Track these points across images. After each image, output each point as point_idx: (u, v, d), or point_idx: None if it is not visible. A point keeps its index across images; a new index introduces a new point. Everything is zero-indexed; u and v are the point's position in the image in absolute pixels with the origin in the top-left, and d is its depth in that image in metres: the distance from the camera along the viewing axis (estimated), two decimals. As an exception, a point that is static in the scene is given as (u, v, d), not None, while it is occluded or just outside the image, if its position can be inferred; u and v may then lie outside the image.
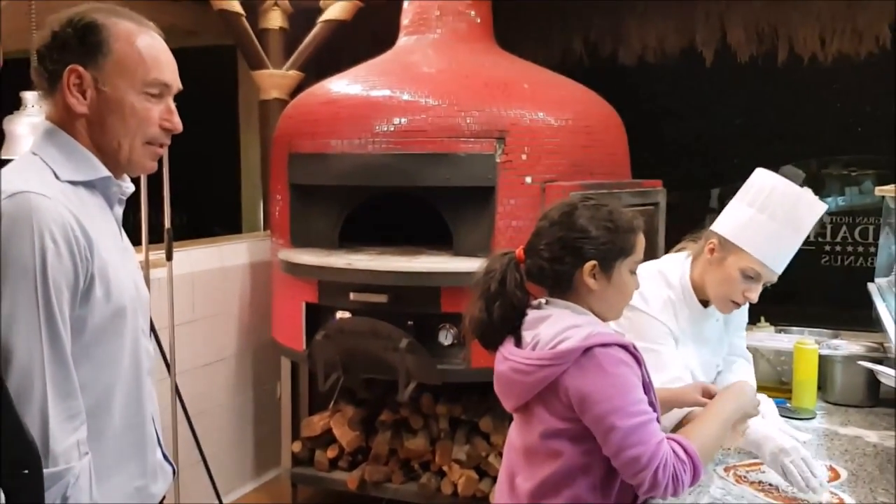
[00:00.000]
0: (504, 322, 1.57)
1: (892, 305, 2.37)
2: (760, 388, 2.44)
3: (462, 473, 3.36)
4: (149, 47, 1.38)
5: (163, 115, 1.40)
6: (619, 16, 4.61)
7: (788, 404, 2.30)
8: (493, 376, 1.61)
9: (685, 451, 1.46)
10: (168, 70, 1.41)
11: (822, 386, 2.37)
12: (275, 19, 4.43)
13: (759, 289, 1.95)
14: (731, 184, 4.57)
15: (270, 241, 3.85)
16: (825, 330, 2.78)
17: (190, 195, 4.85)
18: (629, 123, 3.72)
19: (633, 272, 1.58)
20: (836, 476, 1.77)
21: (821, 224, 4.34)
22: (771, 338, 2.67)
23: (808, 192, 1.96)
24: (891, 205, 2.75)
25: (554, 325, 1.51)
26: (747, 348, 2.27)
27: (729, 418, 1.62)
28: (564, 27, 4.73)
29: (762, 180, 2.00)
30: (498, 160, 3.20)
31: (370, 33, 4.44)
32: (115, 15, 1.38)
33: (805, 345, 2.33)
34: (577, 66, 4.57)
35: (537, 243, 1.59)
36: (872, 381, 2.27)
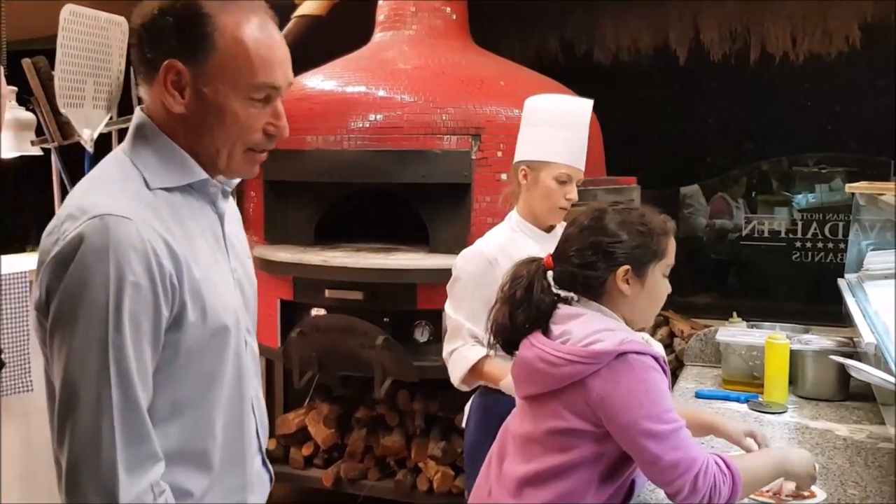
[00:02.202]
0: (528, 328, 1.55)
1: (861, 301, 2.41)
2: (733, 384, 2.48)
3: (438, 470, 3.36)
4: (258, 44, 1.20)
5: (268, 120, 1.25)
6: (593, 15, 4.63)
7: (760, 398, 2.33)
8: (515, 361, 1.57)
9: (727, 465, 1.43)
10: (279, 70, 1.23)
11: (794, 380, 2.40)
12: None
13: (574, 188, 2.25)
14: (704, 180, 4.63)
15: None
16: (796, 325, 2.82)
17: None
18: (604, 121, 3.74)
19: (665, 276, 1.57)
20: (807, 469, 1.79)
21: (791, 221, 4.40)
22: (743, 333, 2.69)
23: (573, 97, 2.36)
24: (860, 202, 2.79)
25: (587, 325, 1.48)
26: (718, 344, 2.34)
27: (781, 469, 1.57)
28: (540, 25, 4.74)
29: (533, 103, 2.34)
30: (474, 157, 3.21)
31: (345, 29, 4.42)
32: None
33: (776, 340, 2.36)
34: (553, 65, 4.58)
35: (567, 249, 1.56)
36: (843, 375, 2.31)
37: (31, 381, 2.75)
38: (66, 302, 1.11)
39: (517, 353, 1.58)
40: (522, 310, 1.55)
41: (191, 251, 1.20)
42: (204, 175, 1.26)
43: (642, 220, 1.55)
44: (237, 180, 1.37)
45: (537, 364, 1.49)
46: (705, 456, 1.42)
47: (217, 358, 1.24)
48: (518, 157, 2.30)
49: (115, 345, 1.10)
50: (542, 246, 2.12)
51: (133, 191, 1.18)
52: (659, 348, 2.06)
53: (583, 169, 2.28)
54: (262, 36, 1.21)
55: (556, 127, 2.24)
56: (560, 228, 2.12)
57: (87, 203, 1.14)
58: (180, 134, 1.24)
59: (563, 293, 1.57)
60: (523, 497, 1.50)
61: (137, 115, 1.27)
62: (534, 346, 1.52)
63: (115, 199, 1.14)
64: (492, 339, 1.62)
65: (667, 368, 1.48)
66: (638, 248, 1.52)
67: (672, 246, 1.58)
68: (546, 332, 1.54)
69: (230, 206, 1.38)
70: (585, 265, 1.53)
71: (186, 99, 1.20)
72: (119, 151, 1.25)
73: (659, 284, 1.56)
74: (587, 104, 2.33)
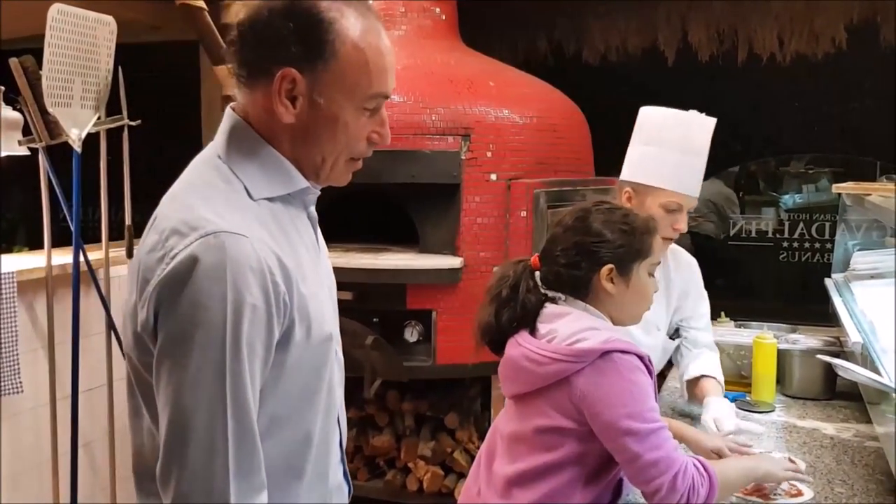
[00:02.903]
0: (514, 327, 1.57)
1: (848, 300, 2.43)
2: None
3: (427, 470, 3.36)
4: (376, 52, 1.14)
5: (374, 128, 1.19)
6: (582, 16, 4.65)
7: (748, 398, 2.35)
8: (501, 360, 1.58)
9: (705, 468, 1.44)
10: (391, 77, 1.17)
11: (781, 379, 2.42)
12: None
13: (685, 218, 2.02)
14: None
15: (234, 239, 3.80)
16: (783, 325, 2.84)
17: (152, 192, 4.77)
18: (592, 121, 3.76)
19: (651, 274, 1.58)
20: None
21: (779, 221, 4.43)
22: (731, 332, 2.71)
23: (694, 114, 2.06)
24: (847, 202, 2.81)
25: (573, 324, 1.49)
26: None
27: (753, 474, 1.60)
28: (529, 26, 4.76)
29: (650, 117, 2.09)
30: (463, 157, 3.21)
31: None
32: (342, 1, 1.13)
33: (764, 339, 2.37)
34: (542, 65, 4.60)
35: (552, 249, 1.58)
36: (829, 374, 2.32)
37: (20, 382, 2.73)
38: (180, 325, 1.03)
39: (504, 352, 1.59)
40: (508, 309, 1.57)
41: (297, 265, 1.14)
42: (306, 184, 1.21)
43: (626, 220, 1.56)
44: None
45: (523, 363, 1.51)
46: (685, 458, 1.43)
47: (317, 371, 1.19)
48: (623, 177, 2.09)
49: (233, 371, 1.03)
50: None
51: (239, 203, 1.12)
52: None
53: (696, 196, 2.04)
54: (379, 43, 1.15)
55: (670, 148, 2.01)
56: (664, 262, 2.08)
57: (193, 218, 1.06)
58: (284, 142, 1.17)
59: (550, 293, 1.58)
60: (511, 497, 1.51)
61: (231, 117, 1.19)
62: (520, 345, 1.53)
63: (224, 213, 1.07)
64: (478, 338, 1.63)
65: (652, 369, 1.49)
66: (621, 247, 1.54)
67: (657, 244, 1.59)
68: (533, 332, 1.56)
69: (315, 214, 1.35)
70: (570, 265, 1.55)
71: (298, 108, 1.13)
72: (214, 156, 1.17)
73: (644, 283, 1.57)
74: (709, 124, 2.08)
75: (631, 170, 2.08)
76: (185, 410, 1.03)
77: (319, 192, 1.29)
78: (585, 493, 1.49)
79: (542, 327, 1.53)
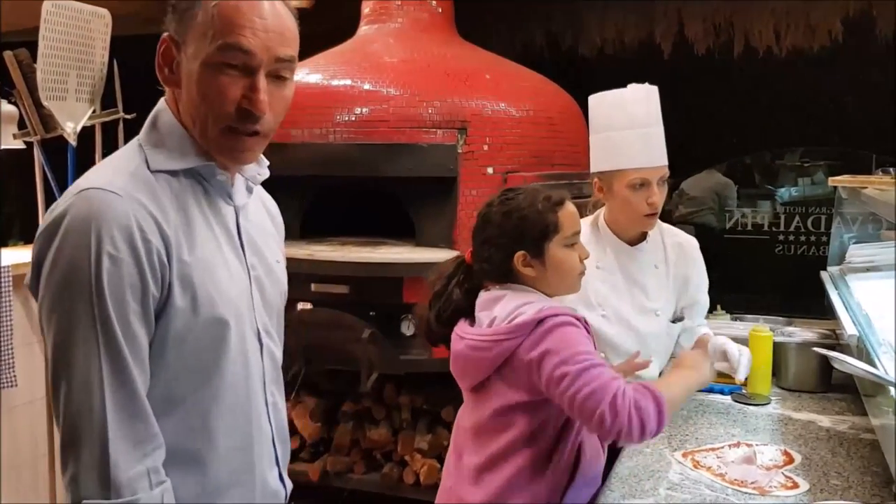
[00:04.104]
0: (445, 319, 1.66)
1: (843, 293, 2.43)
2: (717, 376, 2.50)
3: (424, 463, 3.37)
4: (230, 6, 1.15)
5: (244, 93, 1.17)
6: (578, 9, 4.64)
7: (744, 390, 2.35)
8: (451, 357, 1.65)
9: (645, 387, 1.49)
10: (252, 35, 1.15)
11: (777, 372, 2.42)
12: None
13: (657, 189, 2.03)
14: (687, 175, 4.64)
15: (230, 232, 3.80)
16: (779, 317, 2.84)
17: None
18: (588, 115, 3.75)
19: (569, 246, 1.62)
20: (791, 460, 1.81)
21: (774, 214, 4.43)
22: (727, 325, 2.72)
23: (633, 87, 2.07)
24: (843, 195, 2.82)
25: (508, 304, 1.56)
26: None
27: (696, 381, 1.69)
28: (525, 19, 4.75)
29: (596, 105, 2.13)
30: (460, 150, 3.21)
31: (330, 22, 4.40)
32: None
33: (760, 332, 2.37)
34: (538, 58, 4.59)
35: (475, 247, 1.66)
36: (825, 367, 2.33)
37: (14, 376, 2.73)
38: (51, 276, 1.10)
39: (451, 349, 1.66)
40: (441, 303, 1.65)
41: (186, 235, 1.17)
42: (206, 160, 1.22)
43: (521, 205, 1.60)
44: (264, 175, 1.34)
45: (470, 353, 1.57)
46: (621, 383, 1.46)
47: (213, 354, 1.19)
48: (591, 170, 2.12)
49: (101, 317, 1.08)
50: (619, 259, 2.10)
51: (130, 170, 1.16)
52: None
53: (662, 164, 2.05)
54: (239, 3, 1.16)
55: (620, 128, 2.03)
56: (650, 240, 2.13)
57: (82, 181, 1.14)
58: (180, 115, 1.22)
59: (487, 283, 1.65)
60: (483, 483, 1.56)
61: (161, 101, 1.26)
62: (462, 337, 1.60)
63: (110, 177, 1.13)
64: (418, 331, 1.72)
65: (588, 327, 1.55)
66: (523, 233, 1.58)
67: (567, 216, 1.61)
68: (473, 322, 1.63)
69: (262, 203, 1.38)
70: (488, 259, 1.62)
71: (175, 74, 1.19)
72: (136, 138, 1.25)
73: (562, 258, 1.61)
74: (652, 93, 2.08)
75: (594, 161, 2.12)
76: (60, 356, 1.09)
77: (257, 179, 1.33)
78: (554, 461, 1.54)
79: (482, 315, 1.60)
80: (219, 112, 1.17)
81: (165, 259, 1.13)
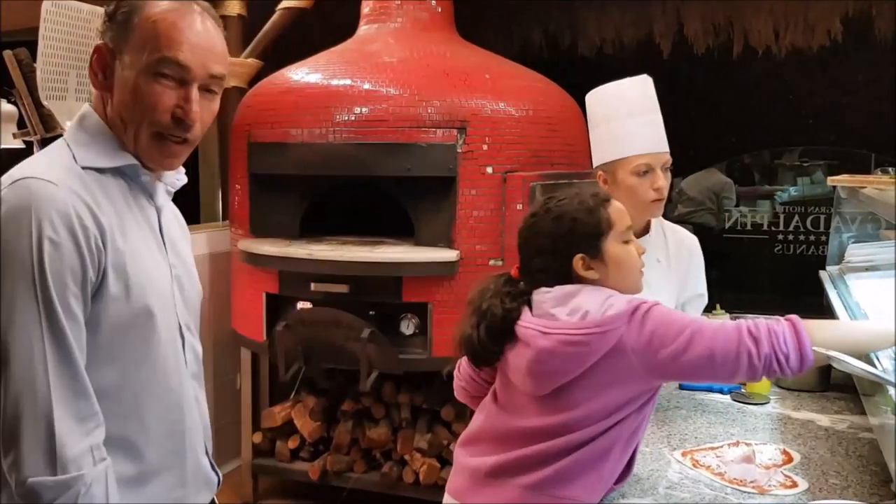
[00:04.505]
0: (492, 338, 1.56)
1: (842, 293, 2.43)
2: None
3: (424, 462, 3.37)
4: (168, 22, 1.24)
5: (177, 103, 1.25)
6: (577, 8, 4.65)
7: (743, 389, 2.35)
8: (528, 360, 1.50)
9: (774, 319, 1.45)
10: (188, 50, 1.24)
11: (776, 372, 2.42)
12: (233, 6, 4.37)
13: (662, 175, 2.03)
14: (687, 173, 4.65)
15: (230, 231, 3.81)
16: (779, 317, 2.84)
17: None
18: (588, 114, 3.76)
19: (626, 242, 1.57)
20: (790, 459, 1.81)
21: (773, 213, 4.44)
22: (726, 325, 2.71)
23: (627, 79, 2.09)
24: (842, 195, 2.82)
25: (593, 296, 1.49)
26: None
27: (866, 342, 1.55)
28: (524, 19, 4.75)
29: (593, 100, 2.14)
30: (459, 150, 3.21)
31: (330, 21, 4.41)
32: None
33: (758, 331, 2.37)
34: (537, 58, 4.59)
35: (525, 261, 1.60)
36: (824, 366, 2.32)
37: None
38: None
39: (508, 357, 1.56)
40: (488, 320, 1.56)
41: (119, 226, 1.23)
42: (130, 160, 1.28)
43: (571, 206, 1.56)
44: (182, 181, 1.41)
45: (564, 349, 1.46)
46: (742, 320, 1.44)
47: (142, 342, 1.24)
48: (594, 165, 2.13)
49: (43, 299, 1.12)
50: None
51: (63, 164, 1.22)
52: None
53: (664, 150, 2.05)
54: (176, 17, 1.25)
55: (617, 118, 2.05)
56: (653, 234, 2.11)
57: (15, 172, 1.19)
58: (108, 118, 1.28)
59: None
60: (531, 475, 1.50)
61: (86, 106, 1.33)
62: (548, 333, 1.48)
63: (44, 169, 1.19)
64: (458, 350, 1.63)
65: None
66: (578, 235, 1.54)
67: (615, 212, 1.57)
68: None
69: (174, 212, 1.43)
70: (543, 269, 1.56)
71: (108, 80, 1.27)
72: (61, 138, 1.31)
73: (621, 254, 1.56)
74: (647, 81, 2.10)
75: (596, 155, 2.12)
76: (4, 334, 1.12)
77: (176, 184, 1.39)
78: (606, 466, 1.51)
79: (559, 310, 1.50)
80: (152, 118, 1.25)
81: (101, 245, 1.18)
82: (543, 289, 1.55)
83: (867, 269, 2.58)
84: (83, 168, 1.23)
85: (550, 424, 1.50)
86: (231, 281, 3.77)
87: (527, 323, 1.52)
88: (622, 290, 1.55)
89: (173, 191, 1.40)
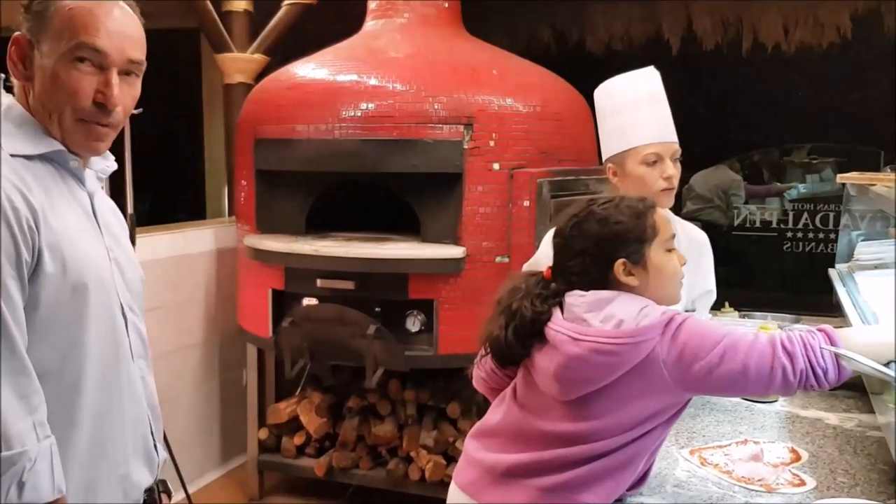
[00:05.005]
0: (520, 339, 1.53)
1: (851, 290, 2.42)
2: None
3: (429, 459, 3.37)
4: (84, 10, 1.27)
5: (98, 88, 1.28)
6: (585, 4, 4.63)
7: (751, 388, 2.34)
8: (559, 365, 1.47)
9: (807, 331, 1.43)
10: (106, 36, 1.27)
11: (784, 370, 2.40)
12: (239, 2, 4.37)
13: (671, 164, 2.02)
14: (695, 170, 4.63)
15: (236, 228, 3.81)
16: (787, 315, 2.82)
17: (153, 180, 4.78)
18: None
19: (669, 250, 1.55)
20: (798, 458, 1.80)
21: (783, 211, 4.42)
22: (734, 322, 2.70)
23: (631, 73, 2.10)
24: (851, 192, 2.80)
25: (630, 304, 1.47)
26: None
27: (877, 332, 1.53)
28: (531, 14, 4.74)
29: (601, 94, 2.14)
30: (465, 146, 3.20)
31: (336, 17, 4.40)
32: None
33: (768, 329, 2.36)
34: (545, 54, 4.58)
35: (561, 262, 1.56)
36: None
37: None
38: None
39: (533, 361, 1.54)
40: (517, 320, 1.53)
41: (50, 207, 1.24)
42: (56, 146, 1.29)
43: (618, 211, 1.53)
44: (111, 167, 1.43)
45: (594, 358, 1.43)
46: (776, 332, 1.42)
47: (80, 323, 1.26)
48: (604, 157, 2.11)
49: None
50: None
51: None
52: None
53: (672, 140, 2.04)
54: (92, 6, 1.27)
55: (624, 109, 2.05)
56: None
57: None
58: (31, 107, 1.30)
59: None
60: (548, 478, 1.48)
61: (6, 96, 1.34)
62: (580, 340, 1.45)
63: None
64: (483, 350, 1.61)
65: None
66: (623, 240, 1.51)
67: (660, 221, 1.55)
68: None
69: (109, 203, 1.45)
70: (582, 272, 1.52)
71: (28, 70, 1.29)
72: None
73: (663, 262, 1.53)
74: (651, 73, 2.11)
75: (605, 147, 2.11)
76: None
77: (106, 170, 1.42)
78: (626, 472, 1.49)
79: (591, 316, 1.47)
80: (74, 105, 1.28)
81: (34, 226, 1.20)
82: (577, 292, 1.52)
83: (876, 267, 2.56)
84: (11, 155, 1.25)
85: (573, 431, 1.48)
86: (237, 277, 3.77)
87: (557, 326, 1.49)
88: (660, 299, 1.52)
89: (104, 177, 1.42)
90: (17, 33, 1.29)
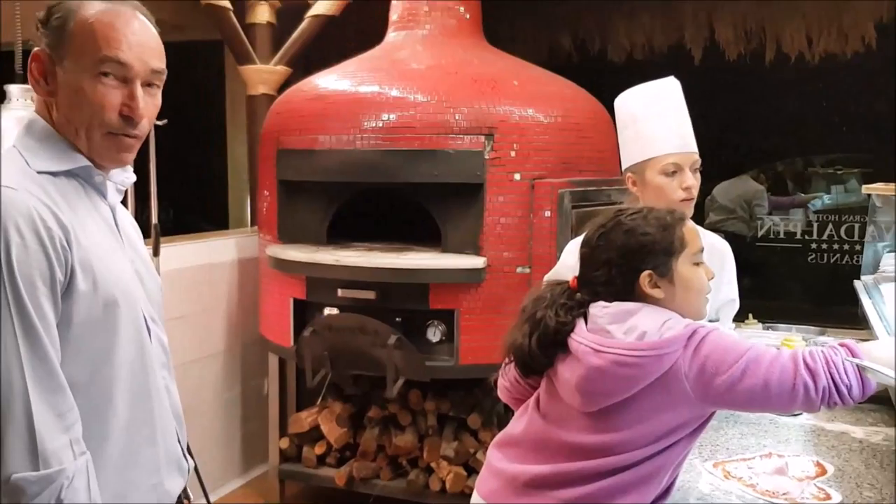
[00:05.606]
0: (543, 349, 1.53)
1: (877, 303, 2.39)
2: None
3: (450, 470, 3.36)
4: (104, 23, 1.27)
5: (123, 101, 1.29)
6: (607, 13, 4.63)
7: (775, 401, 2.31)
8: (580, 377, 1.47)
9: (829, 346, 1.41)
10: (127, 48, 1.27)
11: (809, 382, 2.38)
12: (262, 14, 4.41)
13: (690, 175, 2.01)
14: (718, 180, 4.60)
15: (258, 237, 3.83)
16: (812, 327, 2.80)
17: (177, 191, 4.83)
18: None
19: (696, 264, 1.53)
20: (823, 471, 1.78)
21: (807, 222, 4.38)
22: (759, 334, 2.68)
23: (651, 83, 2.10)
24: (877, 203, 2.77)
25: (653, 316, 1.46)
26: None
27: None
28: (552, 24, 4.74)
29: (621, 104, 2.14)
30: (487, 157, 3.20)
31: (358, 29, 4.43)
32: None
33: (792, 341, 2.34)
34: (566, 63, 4.58)
35: (587, 272, 1.55)
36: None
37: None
38: None
39: (557, 370, 1.53)
40: (541, 329, 1.53)
41: (79, 224, 1.25)
42: (84, 162, 1.31)
43: (646, 223, 1.52)
44: (130, 179, 1.43)
45: (616, 370, 1.42)
46: (800, 348, 1.40)
47: (111, 337, 1.27)
48: (623, 167, 2.12)
49: (15, 301, 1.15)
50: None
51: (20, 170, 1.25)
52: None
53: (692, 150, 2.04)
54: (114, 18, 1.28)
55: (645, 119, 2.04)
56: None
57: None
58: (55, 120, 1.31)
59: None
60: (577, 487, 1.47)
61: (31, 113, 1.35)
62: (601, 352, 1.44)
63: (2, 175, 1.21)
64: (507, 358, 1.60)
65: None
66: (650, 251, 1.50)
67: (689, 233, 1.54)
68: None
69: (124, 209, 1.46)
70: (608, 282, 1.52)
71: (51, 85, 1.29)
72: (11, 146, 1.32)
73: (690, 276, 1.52)
74: (671, 82, 2.11)
75: (625, 157, 2.11)
76: None
77: (125, 182, 1.41)
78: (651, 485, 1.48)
79: (616, 328, 1.47)
80: (102, 119, 1.28)
81: (66, 244, 1.21)
82: (601, 303, 1.51)
83: (903, 278, 2.53)
84: (38, 172, 1.26)
85: (595, 443, 1.47)
86: (259, 286, 3.79)
87: (580, 338, 1.49)
88: (685, 313, 1.51)
89: (123, 189, 1.43)
90: (36, 49, 1.30)
